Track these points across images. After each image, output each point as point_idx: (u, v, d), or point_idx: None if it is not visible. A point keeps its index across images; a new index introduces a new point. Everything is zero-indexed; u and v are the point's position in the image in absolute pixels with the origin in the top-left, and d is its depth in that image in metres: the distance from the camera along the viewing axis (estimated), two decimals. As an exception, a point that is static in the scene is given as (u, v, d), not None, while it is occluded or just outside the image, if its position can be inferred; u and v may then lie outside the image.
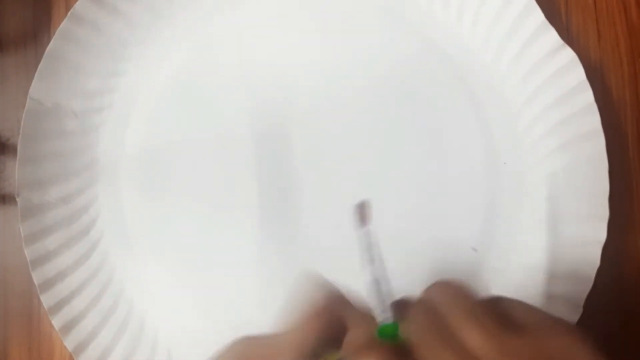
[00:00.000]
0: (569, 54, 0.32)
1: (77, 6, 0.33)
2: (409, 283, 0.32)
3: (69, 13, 0.33)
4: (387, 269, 0.25)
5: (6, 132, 0.36)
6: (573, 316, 0.31)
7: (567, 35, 0.34)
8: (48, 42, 0.35)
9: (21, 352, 0.35)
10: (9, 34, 0.36)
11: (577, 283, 0.31)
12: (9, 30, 0.36)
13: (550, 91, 0.33)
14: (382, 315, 0.24)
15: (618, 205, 0.32)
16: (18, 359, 0.35)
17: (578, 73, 0.32)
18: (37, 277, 0.32)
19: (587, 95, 0.32)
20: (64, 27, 0.33)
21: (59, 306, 0.33)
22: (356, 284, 0.25)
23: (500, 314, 0.20)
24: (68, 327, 0.33)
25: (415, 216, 0.33)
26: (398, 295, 0.25)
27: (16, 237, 0.34)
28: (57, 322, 0.32)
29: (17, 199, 0.33)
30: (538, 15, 0.33)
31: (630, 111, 0.35)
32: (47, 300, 0.32)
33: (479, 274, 0.33)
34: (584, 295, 0.31)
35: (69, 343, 0.32)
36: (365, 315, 0.23)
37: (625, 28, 0.35)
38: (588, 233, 0.32)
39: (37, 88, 0.33)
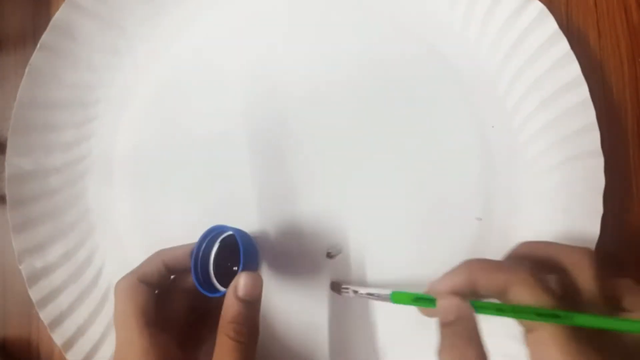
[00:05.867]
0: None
1: (32, 61, 0.33)
2: (416, 258, 0.32)
3: (26, 70, 0.33)
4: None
5: (5, 132, 0.36)
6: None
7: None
8: None
9: (20, 352, 0.35)
10: (9, 33, 0.37)
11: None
12: (9, 30, 0.37)
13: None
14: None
15: (617, 205, 0.32)
16: (17, 357, 0.35)
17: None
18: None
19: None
20: (25, 87, 0.33)
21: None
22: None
23: None
24: (69, 342, 0.33)
25: (417, 197, 0.33)
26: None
27: None
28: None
29: (20, 267, 0.33)
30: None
31: (631, 111, 0.34)
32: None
33: (485, 243, 0.33)
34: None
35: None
36: None
37: (625, 28, 0.35)
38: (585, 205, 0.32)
39: (14, 152, 0.33)
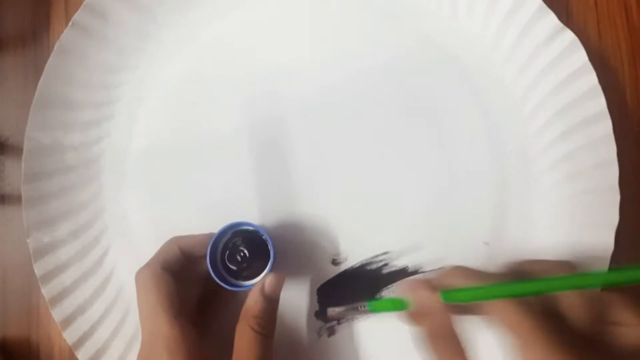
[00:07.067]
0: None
1: (62, 37, 0.33)
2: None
3: (55, 46, 0.33)
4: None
5: (5, 132, 0.36)
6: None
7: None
8: (47, 43, 0.36)
9: (20, 352, 0.35)
10: (9, 34, 0.37)
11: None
12: (9, 30, 0.37)
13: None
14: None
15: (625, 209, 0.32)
16: (17, 357, 0.35)
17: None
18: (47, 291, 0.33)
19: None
20: (52, 63, 0.33)
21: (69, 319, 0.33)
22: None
23: None
24: (68, 321, 0.33)
25: (425, 213, 0.33)
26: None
27: (16, 236, 0.34)
28: (57, 315, 0.33)
29: (27, 240, 0.33)
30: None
31: (631, 112, 0.34)
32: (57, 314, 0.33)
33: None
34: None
35: (68, 336, 0.33)
36: None
37: (626, 29, 0.35)
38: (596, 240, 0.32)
39: (34, 126, 0.33)
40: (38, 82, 0.33)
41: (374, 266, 0.33)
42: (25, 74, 0.36)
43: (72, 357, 0.34)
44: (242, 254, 0.30)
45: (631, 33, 0.34)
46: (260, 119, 0.34)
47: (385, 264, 0.33)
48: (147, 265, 0.28)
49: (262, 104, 0.34)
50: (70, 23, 0.33)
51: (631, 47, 0.34)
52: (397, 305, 0.25)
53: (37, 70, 0.35)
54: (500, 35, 0.34)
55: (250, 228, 0.30)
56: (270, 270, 0.29)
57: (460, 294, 0.23)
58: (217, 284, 0.29)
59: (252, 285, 0.28)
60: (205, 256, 0.29)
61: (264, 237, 0.29)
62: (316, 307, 0.33)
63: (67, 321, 0.33)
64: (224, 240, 0.30)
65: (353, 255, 0.33)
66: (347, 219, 0.33)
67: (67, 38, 0.33)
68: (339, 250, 0.33)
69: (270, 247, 0.29)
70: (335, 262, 0.33)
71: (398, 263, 0.33)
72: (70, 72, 0.34)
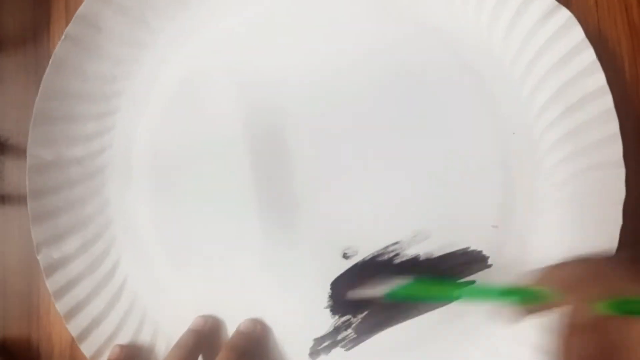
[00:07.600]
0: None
1: (57, 51, 0.33)
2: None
3: (50, 60, 0.33)
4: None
5: (5, 132, 0.36)
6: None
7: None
8: (47, 43, 0.36)
9: (20, 352, 0.35)
10: (9, 34, 0.37)
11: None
12: (9, 30, 0.37)
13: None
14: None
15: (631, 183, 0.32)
16: (17, 357, 0.35)
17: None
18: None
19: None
20: (48, 78, 0.33)
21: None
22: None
23: None
24: (84, 334, 0.33)
25: (433, 200, 0.33)
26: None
27: (16, 236, 0.34)
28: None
29: (38, 257, 0.33)
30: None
31: (632, 112, 0.34)
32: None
33: (500, 251, 0.33)
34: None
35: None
36: None
37: (626, 28, 0.34)
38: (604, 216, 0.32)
39: (35, 143, 0.33)
40: (38, 82, 0.33)
41: (385, 257, 0.33)
42: (26, 74, 0.36)
43: (72, 357, 0.34)
44: None
45: (632, 33, 0.34)
46: (262, 119, 0.34)
47: (397, 254, 0.33)
48: None
49: (263, 104, 0.34)
50: (63, 36, 0.33)
51: (631, 46, 0.34)
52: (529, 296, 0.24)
53: (37, 70, 0.35)
54: (496, 16, 0.33)
55: None
56: None
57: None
58: None
59: None
60: None
61: None
62: (330, 302, 0.33)
63: (84, 334, 0.33)
64: None
65: (363, 247, 0.33)
66: (355, 211, 0.33)
67: (61, 51, 0.33)
68: (349, 244, 0.33)
69: None
70: (346, 256, 0.33)
71: (409, 252, 0.33)
72: (67, 85, 0.33)
